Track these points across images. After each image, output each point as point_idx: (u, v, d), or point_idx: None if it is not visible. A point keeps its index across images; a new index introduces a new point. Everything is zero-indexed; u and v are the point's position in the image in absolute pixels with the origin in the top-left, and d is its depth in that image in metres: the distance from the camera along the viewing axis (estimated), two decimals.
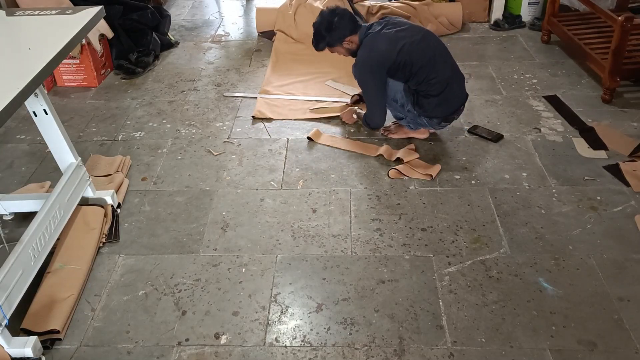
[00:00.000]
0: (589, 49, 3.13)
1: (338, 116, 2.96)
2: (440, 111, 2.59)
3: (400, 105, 2.63)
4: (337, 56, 3.58)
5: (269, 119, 3.00)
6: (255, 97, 3.18)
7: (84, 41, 3.22)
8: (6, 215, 2.27)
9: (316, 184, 2.49)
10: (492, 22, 4.02)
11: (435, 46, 2.56)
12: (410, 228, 2.21)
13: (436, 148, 2.69)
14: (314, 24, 2.64)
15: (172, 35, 4.01)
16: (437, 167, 2.54)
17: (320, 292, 1.95)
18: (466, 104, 3.03)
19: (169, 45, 3.88)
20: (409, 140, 2.76)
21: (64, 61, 3.20)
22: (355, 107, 2.94)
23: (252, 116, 3.03)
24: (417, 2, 3.91)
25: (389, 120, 2.80)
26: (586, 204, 2.30)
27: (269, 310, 1.90)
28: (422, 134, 2.76)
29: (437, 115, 2.60)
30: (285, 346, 1.77)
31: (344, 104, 3.07)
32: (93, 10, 2.08)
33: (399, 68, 2.52)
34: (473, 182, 2.46)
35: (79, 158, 2.24)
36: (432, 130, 2.76)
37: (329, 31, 2.58)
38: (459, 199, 2.36)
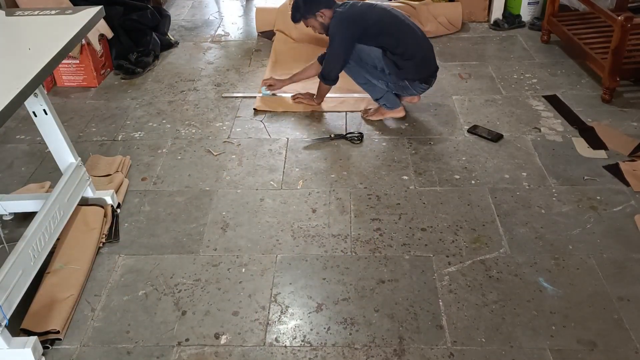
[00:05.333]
0: (589, 48, 3.13)
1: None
2: (420, 72, 2.76)
3: (380, 70, 2.75)
4: None
5: (271, 111, 3.04)
6: (254, 97, 3.18)
7: (83, 41, 3.22)
8: (6, 215, 2.27)
9: (316, 183, 2.49)
10: (491, 22, 4.02)
11: (404, 16, 2.79)
12: (410, 228, 2.21)
13: (436, 148, 2.70)
14: None
15: (171, 35, 4.01)
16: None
17: (320, 292, 1.95)
18: (466, 103, 3.06)
19: (168, 45, 3.88)
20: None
21: (64, 61, 3.20)
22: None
23: (254, 109, 3.05)
24: (416, 2, 3.91)
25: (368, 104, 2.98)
26: (586, 203, 2.30)
27: (268, 310, 1.90)
28: (398, 113, 2.92)
29: (417, 77, 2.76)
30: (285, 346, 1.77)
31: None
32: (93, 11, 2.08)
33: (373, 30, 2.69)
34: (473, 182, 2.46)
35: (79, 158, 2.24)
36: (415, 101, 2.96)
37: (305, 2, 2.75)
38: (459, 199, 2.36)
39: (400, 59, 2.70)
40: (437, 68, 2.84)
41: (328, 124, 2.94)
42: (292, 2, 2.81)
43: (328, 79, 2.85)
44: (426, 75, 2.79)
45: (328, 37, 2.79)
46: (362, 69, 2.80)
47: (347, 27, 2.70)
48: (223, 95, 3.22)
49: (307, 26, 2.85)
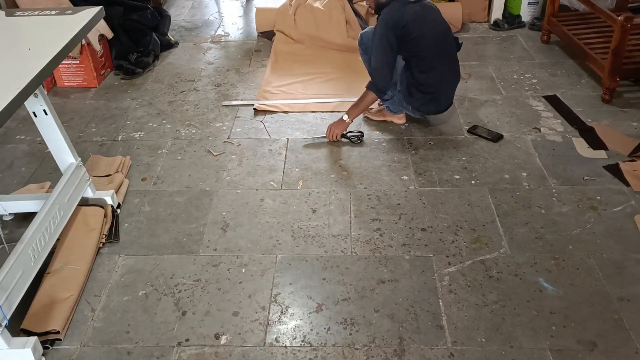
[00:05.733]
0: (589, 48, 3.13)
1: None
2: (426, 108, 2.73)
3: (392, 83, 2.71)
4: (337, 57, 3.62)
5: (271, 112, 3.04)
6: (253, 104, 3.12)
7: (83, 41, 3.22)
8: (6, 215, 2.27)
9: (316, 184, 2.49)
10: (491, 22, 4.02)
11: (448, 43, 2.69)
12: (410, 228, 2.21)
13: (436, 148, 2.70)
14: None
15: (171, 35, 4.01)
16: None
17: (320, 292, 1.95)
18: (466, 103, 3.07)
19: (168, 45, 3.88)
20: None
21: (64, 61, 3.21)
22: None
23: (254, 109, 3.06)
24: None
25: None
26: (586, 203, 2.30)
27: (269, 310, 1.90)
28: (399, 119, 2.90)
29: (421, 110, 2.74)
30: (285, 346, 1.77)
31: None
32: (93, 11, 2.08)
33: (410, 42, 2.57)
34: (473, 182, 2.46)
35: (79, 158, 2.24)
36: (416, 117, 2.89)
37: None
38: (459, 199, 2.36)
39: (414, 87, 2.65)
40: (449, 107, 2.78)
41: (328, 124, 2.93)
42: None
43: (382, 91, 2.66)
44: (432, 112, 2.79)
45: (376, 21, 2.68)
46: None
47: (391, 31, 2.53)
48: (223, 104, 3.19)
49: (367, 3, 2.78)
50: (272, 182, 2.51)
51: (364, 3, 3.94)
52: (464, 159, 2.61)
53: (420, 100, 2.69)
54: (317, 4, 3.82)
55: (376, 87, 2.65)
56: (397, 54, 2.64)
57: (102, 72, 3.47)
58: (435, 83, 2.65)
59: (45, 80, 2.03)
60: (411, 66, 2.64)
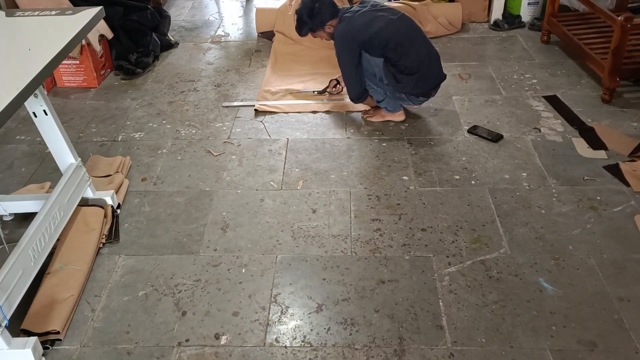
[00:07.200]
0: (589, 49, 3.13)
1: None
2: (418, 88, 2.75)
3: (379, 79, 2.76)
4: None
5: (271, 112, 3.04)
6: (253, 105, 3.11)
7: (83, 42, 3.22)
8: (6, 216, 2.27)
9: (316, 184, 2.49)
10: (491, 22, 4.02)
11: (410, 26, 2.75)
12: (410, 228, 2.21)
13: (436, 148, 2.70)
14: (296, 11, 2.78)
15: (171, 35, 4.01)
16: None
17: (320, 293, 1.95)
18: (466, 103, 3.06)
19: (168, 45, 3.88)
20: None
21: (64, 62, 3.21)
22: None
23: (254, 109, 3.06)
24: (416, 2, 3.91)
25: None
26: (586, 204, 2.30)
27: (269, 310, 1.90)
28: (398, 117, 2.92)
29: (414, 92, 2.76)
30: (286, 346, 1.77)
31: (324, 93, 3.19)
32: (93, 11, 2.08)
33: (374, 44, 2.66)
34: (473, 182, 2.46)
35: (79, 159, 2.24)
36: (414, 107, 2.93)
37: (310, 17, 2.73)
38: (459, 199, 2.36)
39: (399, 73, 2.70)
40: (441, 81, 2.81)
41: (328, 124, 2.94)
42: (295, 17, 2.78)
43: (358, 99, 2.86)
44: (425, 90, 2.79)
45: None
46: (363, 74, 2.80)
47: (349, 47, 2.69)
48: (224, 105, 3.17)
49: (315, 37, 2.87)
50: (272, 182, 2.51)
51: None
52: (464, 159, 2.61)
53: (410, 83, 2.71)
54: None
55: (352, 99, 2.89)
56: (368, 57, 2.71)
57: (102, 72, 3.47)
58: (416, 63, 2.69)
59: (45, 80, 2.03)
60: (388, 59, 2.70)
